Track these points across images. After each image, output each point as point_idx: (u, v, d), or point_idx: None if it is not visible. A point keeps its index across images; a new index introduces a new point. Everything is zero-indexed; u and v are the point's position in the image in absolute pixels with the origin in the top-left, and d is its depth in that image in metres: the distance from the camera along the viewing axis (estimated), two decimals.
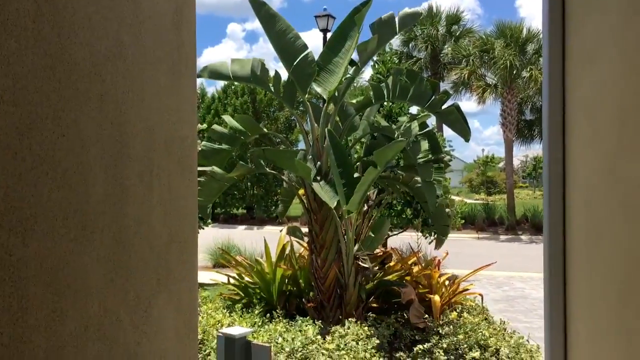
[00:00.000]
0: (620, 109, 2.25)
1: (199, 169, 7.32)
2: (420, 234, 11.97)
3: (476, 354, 6.32)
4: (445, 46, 28.93)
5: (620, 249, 2.22)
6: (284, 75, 7.95)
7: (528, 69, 23.90)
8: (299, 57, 7.01)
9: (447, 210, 8.07)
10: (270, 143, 8.84)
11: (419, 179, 7.72)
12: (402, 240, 12.55)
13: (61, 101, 1.38)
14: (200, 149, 7.61)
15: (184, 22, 2.13)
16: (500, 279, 13.30)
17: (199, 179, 7.19)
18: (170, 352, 1.98)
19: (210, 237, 14.75)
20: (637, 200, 2.04)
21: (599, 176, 2.51)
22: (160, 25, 1.92)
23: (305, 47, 7.05)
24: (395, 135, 7.27)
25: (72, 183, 1.42)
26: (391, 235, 12.67)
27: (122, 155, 1.65)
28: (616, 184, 2.29)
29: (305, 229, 8.16)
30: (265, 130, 8.26)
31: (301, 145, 12.13)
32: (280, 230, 9.02)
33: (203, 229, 11.72)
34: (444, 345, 6.57)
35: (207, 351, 5.92)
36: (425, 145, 7.12)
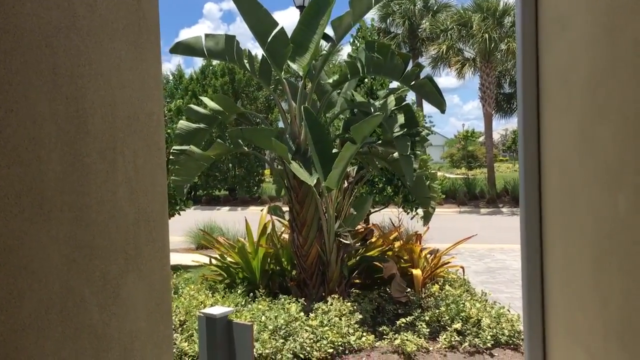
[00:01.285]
0: (592, 74, 2.24)
1: (177, 148, 7.21)
2: (401, 209, 12.00)
3: (458, 326, 6.38)
4: (423, 21, 28.82)
5: (594, 214, 2.22)
6: (261, 54, 7.84)
7: (505, 42, 23.92)
8: (272, 34, 6.90)
9: (427, 182, 8.07)
10: (250, 123, 8.74)
11: (397, 154, 7.71)
12: (384, 216, 12.59)
13: (8, 74, 1.32)
14: (176, 130, 7.49)
15: None
16: (482, 252, 13.43)
17: (176, 158, 7.10)
18: (142, 332, 1.94)
19: (192, 219, 14.67)
20: (611, 164, 2.04)
21: (572, 142, 2.50)
22: None
23: (275, 23, 6.94)
24: (372, 111, 7.23)
25: (23, 160, 1.36)
26: (373, 212, 12.70)
27: (80, 132, 1.59)
28: (590, 149, 2.28)
29: (286, 208, 8.14)
30: (242, 109, 8.17)
31: (282, 125, 12.06)
32: (261, 210, 8.97)
33: (184, 210, 11.65)
34: (426, 318, 6.63)
35: (190, 332, 5.90)
36: (401, 119, 7.09)
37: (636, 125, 1.79)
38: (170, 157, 7.14)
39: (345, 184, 8.16)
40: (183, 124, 7.57)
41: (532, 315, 3.06)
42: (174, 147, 7.29)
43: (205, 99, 8.07)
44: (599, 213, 2.16)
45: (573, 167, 2.48)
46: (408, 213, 12.03)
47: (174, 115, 15.44)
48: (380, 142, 7.78)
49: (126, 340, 1.82)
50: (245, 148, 7.86)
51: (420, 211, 9.64)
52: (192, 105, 7.95)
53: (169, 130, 10.35)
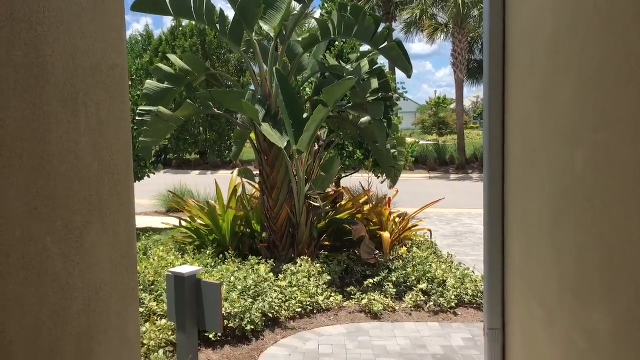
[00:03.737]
0: (555, 34, 2.28)
1: (144, 109, 7.09)
2: (371, 174, 12.11)
3: (423, 286, 6.53)
4: None
5: (553, 171, 2.29)
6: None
7: (479, 8, 23.89)
8: None
9: (395, 150, 8.11)
10: (220, 85, 8.63)
11: (366, 119, 7.72)
12: (355, 181, 12.68)
13: None
14: (144, 90, 7.36)
15: None
16: (450, 216, 13.66)
17: (144, 119, 6.99)
18: (107, 283, 1.96)
19: (162, 182, 14.57)
20: (570, 122, 2.09)
21: (534, 101, 2.56)
22: None
23: None
24: (345, 74, 7.20)
25: None
26: (344, 177, 12.78)
27: (40, 79, 1.57)
28: (550, 108, 2.34)
29: (257, 171, 8.13)
30: (212, 70, 8.05)
31: (253, 88, 11.94)
32: (232, 173, 8.95)
33: (154, 173, 11.55)
34: (393, 279, 6.77)
35: (159, 292, 5.92)
36: (375, 83, 7.07)
37: (596, 84, 1.83)
38: (137, 117, 7.00)
39: (316, 147, 8.18)
40: (151, 83, 7.41)
41: (493, 272, 3.16)
42: (141, 108, 7.15)
43: (173, 57, 7.91)
44: (557, 170, 2.22)
45: (534, 126, 2.54)
46: (378, 177, 12.16)
47: (143, 76, 15.16)
48: (351, 106, 7.77)
49: (91, 290, 1.84)
50: (215, 110, 7.79)
51: None
52: (160, 65, 7.80)
53: (138, 92, 10.18)
